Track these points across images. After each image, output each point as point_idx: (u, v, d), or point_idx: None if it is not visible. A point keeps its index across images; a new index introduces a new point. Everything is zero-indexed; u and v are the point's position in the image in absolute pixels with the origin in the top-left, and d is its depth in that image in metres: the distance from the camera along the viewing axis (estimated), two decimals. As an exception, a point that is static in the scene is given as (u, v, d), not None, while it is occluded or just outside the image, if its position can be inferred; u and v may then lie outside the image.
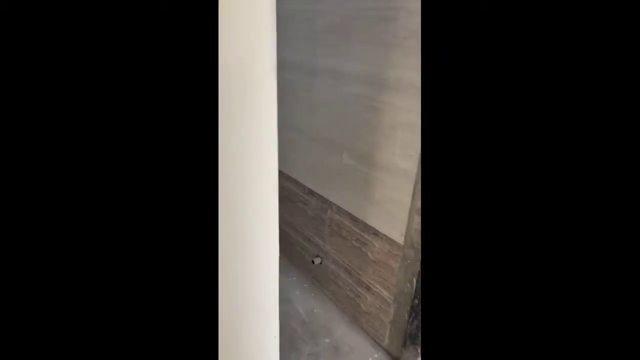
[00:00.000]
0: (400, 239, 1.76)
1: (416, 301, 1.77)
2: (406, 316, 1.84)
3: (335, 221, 2.18)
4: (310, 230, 2.44)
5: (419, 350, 1.84)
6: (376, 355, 2.06)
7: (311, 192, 2.32)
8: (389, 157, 1.70)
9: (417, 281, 1.74)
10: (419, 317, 1.79)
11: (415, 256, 1.69)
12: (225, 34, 0.71)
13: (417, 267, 1.71)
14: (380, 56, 1.61)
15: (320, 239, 2.36)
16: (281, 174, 2.60)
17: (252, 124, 0.86)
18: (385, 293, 1.95)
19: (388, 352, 2.06)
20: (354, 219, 2.02)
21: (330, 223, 2.22)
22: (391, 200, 1.74)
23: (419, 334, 1.81)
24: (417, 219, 1.64)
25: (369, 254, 1.98)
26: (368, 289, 2.06)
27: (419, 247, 1.66)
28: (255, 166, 0.91)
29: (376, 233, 1.89)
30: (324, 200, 2.22)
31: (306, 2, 1.95)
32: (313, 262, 2.41)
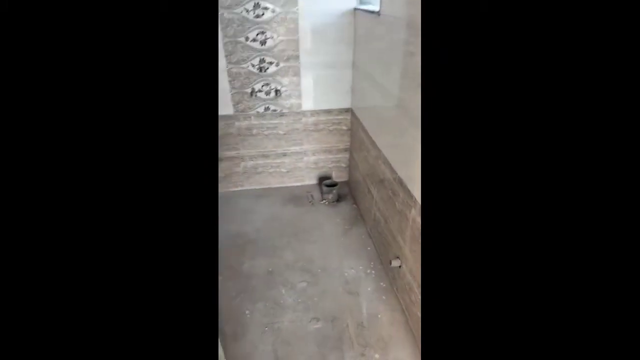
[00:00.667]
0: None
1: None
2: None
3: (417, 225, 1.74)
4: (395, 225, 2.06)
5: None
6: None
7: (400, 182, 1.91)
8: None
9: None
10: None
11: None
12: None
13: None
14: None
15: (402, 240, 1.96)
16: (380, 153, 2.24)
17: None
18: (453, 336, 1.46)
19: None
20: (434, 230, 1.55)
21: (413, 225, 1.79)
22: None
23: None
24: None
25: (443, 279, 1.49)
26: (437, 320, 1.60)
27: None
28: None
29: (454, 257, 1.39)
30: (409, 195, 1.79)
31: None
32: (390, 262, 2.05)
